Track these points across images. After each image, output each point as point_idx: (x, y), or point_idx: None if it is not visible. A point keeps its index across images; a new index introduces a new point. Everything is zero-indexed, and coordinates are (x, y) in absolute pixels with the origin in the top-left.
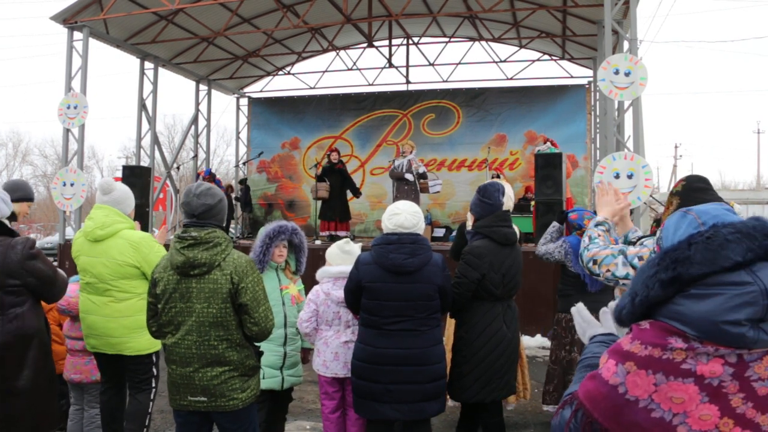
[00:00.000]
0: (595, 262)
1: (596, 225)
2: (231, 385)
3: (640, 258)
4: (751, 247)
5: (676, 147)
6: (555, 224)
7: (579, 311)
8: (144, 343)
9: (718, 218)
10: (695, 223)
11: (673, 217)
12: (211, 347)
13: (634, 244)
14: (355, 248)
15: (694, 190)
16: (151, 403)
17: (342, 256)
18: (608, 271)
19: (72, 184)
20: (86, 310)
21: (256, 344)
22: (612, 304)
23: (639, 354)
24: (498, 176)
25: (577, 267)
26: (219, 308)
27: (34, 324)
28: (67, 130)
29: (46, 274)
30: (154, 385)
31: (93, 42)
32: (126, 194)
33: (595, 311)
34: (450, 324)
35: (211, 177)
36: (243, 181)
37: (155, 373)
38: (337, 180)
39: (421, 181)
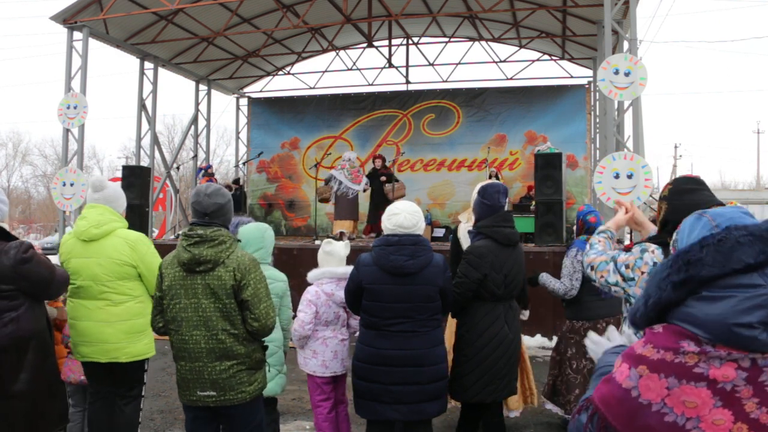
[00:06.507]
0: (592, 267)
1: (598, 233)
2: (239, 379)
3: (627, 266)
4: (764, 249)
5: (676, 147)
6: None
7: (590, 339)
8: (141, 347)
9: (733, 221)
10: (709, 226)
11: (688, 220)
12: (219, 341)
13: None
14: (337, 249)
15: (680, 192)
16: (140, 413)
17: (325, 258)
18: (602, 277)
19: (72, 184)
20: (76, 316)
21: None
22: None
23: (651, 357)
24: (496, 175)
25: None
26: (224, 303)
27: (31, 326)
28: (67, 130)
29: (41, 277)
30: (143, 393)
31: (93, 42)
32: (118, 193)
33: (610, 316)
34: (450, 323)
35: (208, 175)
36: (236, 182)
37: (145, 380)
38: (377, 185)
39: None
